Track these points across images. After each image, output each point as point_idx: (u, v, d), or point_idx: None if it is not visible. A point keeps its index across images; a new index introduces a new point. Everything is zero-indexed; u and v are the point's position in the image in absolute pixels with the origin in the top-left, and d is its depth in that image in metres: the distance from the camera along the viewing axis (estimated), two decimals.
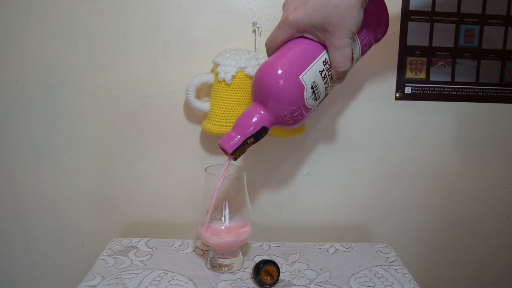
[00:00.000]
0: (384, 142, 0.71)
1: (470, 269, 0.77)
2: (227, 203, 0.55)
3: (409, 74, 0.69)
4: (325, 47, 0.47)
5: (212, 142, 0.69)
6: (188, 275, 0.56)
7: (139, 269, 0.57)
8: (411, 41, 0.68)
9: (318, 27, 0.45)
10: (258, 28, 0.64)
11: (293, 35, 0.48)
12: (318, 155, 0.71)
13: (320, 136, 0.70)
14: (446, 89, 0.70)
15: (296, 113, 0.48)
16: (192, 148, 0.69)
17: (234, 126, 0.49)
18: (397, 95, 0.69)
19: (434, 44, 0.68)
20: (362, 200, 0.73)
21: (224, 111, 0.61)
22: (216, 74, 0.60)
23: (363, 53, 0.53)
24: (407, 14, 0.67)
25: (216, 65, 0.61)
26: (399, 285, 0.55)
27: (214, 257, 0.58)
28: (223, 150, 0.49)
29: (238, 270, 0.58)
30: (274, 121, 0.48)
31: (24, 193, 0.71)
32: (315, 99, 0.49)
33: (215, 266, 0.58)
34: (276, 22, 0.50)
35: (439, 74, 0.69)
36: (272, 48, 0.50)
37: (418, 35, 0.68)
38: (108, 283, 0.54)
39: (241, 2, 0.65)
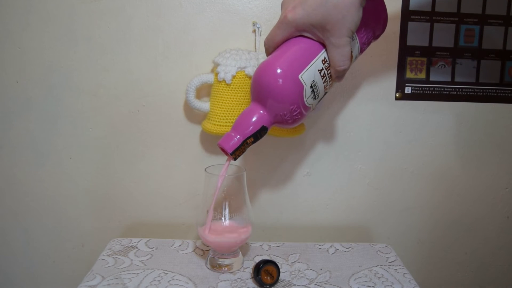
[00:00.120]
0: (384, 142, 0.71)
1: (470, 269, 0.77)
2: (227, 203, 0.55)
3: (409, 74, 0.69)
4: (324, 46, 0.47)
5: (212, 142, 0.69)
6: (188, 275, 0.56)
7: (139, 269, 0.57)
8: (411, 41, 0.68)
9: (317, 26, 0.45)
10: (258, 28, 0.64)
11: (292, 34, 0.48)
12: (318, 155, 0.71)
13: (320, 136, 0.70)
14: (446, 89, 0.70)
15: (296, 112, 0.48)
16: (192, 148, 0.69)
17: (234, 126, 0.49)
18: (397, 95, 0.69)
19: (434, 44, 0.68)
20: (362, 200, 0.73)
21: (224, 111, 0.61)
22: (216, 74, 0.60)
23: (362, 51, 0.53)
24: (407, 14, 0.67)
25: (216, 65, 0.61)
26: (399, 285, 0.55)
27: (214, 257, 0.58)
28: (223, 150, 0.49)
29: (238, 270, 0.58)
30: (273, 120, 0.48)
31: (24, 193, 0.71)
32: (314, 98, 0.49)
33: (215, 266, 0.58)
34: (276, 22, 0.50)
35: (439, 74, 0.69)
36: (271, 47, 0.50)
37: (418, 35, 0.68)
38: (108, 283, 0.54)
39: (241, 2, 0.65)
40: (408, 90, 0.69)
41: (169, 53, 0.66)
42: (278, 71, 0.46)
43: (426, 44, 0.68)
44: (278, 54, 0.48)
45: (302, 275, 0.57)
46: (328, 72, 0.48)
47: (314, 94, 0.48)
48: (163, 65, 0.66)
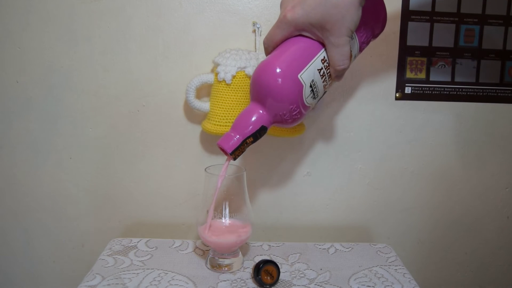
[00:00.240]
0: (384, 142, 0.71)
1: (470, 269, 0.77)
2: (227, 203, 0.55)
3: (409, 74, 0.69)
4: (323, 45, 0.47)
5: (212, 142, 0.69)
6: (188, 275, 0.56)
7: (139, 269, 0.57)
8: (411, 41, 0.68)
9: (316, 25, 0.45)
10: (258, 28, 0.64)
11: (291, 34, 0.48)
12: (318, 155, 0.71)
13: (320, 136, 0.70)
14: (446, 89, 0.70)
15: (295, 112, 0.48)
16: (192, 148, 0.69)
17: (233, 126, 0.49)
18: (397, 95, 0.69)
19: (434, 44, 0.68)
20: (362, 200, 0.73)
21: (224, 111, 0.61)
22: (216, 74, 0.60)
23: (361, 50, 0.53)
24: (407, 14, 0.67)
25: (216, 65, 0.61)
26: (399, 285, 0.55)
27: (214, 257, 0.58)
28: (222, 150, 0.49)
29: (238, 270, 0.58)
30: (273, 120, 0.48)
31: (24, 193, 0.71)
32: (314, 98, 0.49)
33: (215, 266, 0.58)
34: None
35: (439, 74, 0.69)
36: (270, 47, 0.50)
37: (418, 35, 0.68)
38: (108, 283, 0.54)
39: (241, 2, 0.65)
40: (408, 90, 0.69)
41: (169, 53, 0.66)
42: (278, 70, 0.46)
43: (426, 44, 0.68)
44: (277, 54, 0.48)
45: (302, 275, 0.57)
46: (328, 71, 0.48)
47: (314, 94, 0.48)
48: (163, 65, 0.66)
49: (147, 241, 0.65)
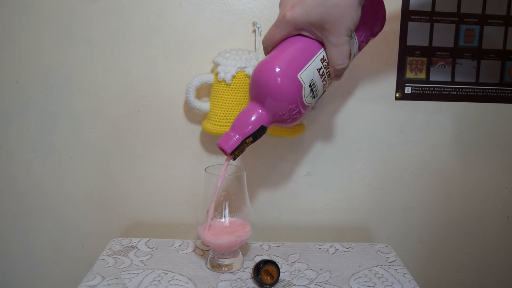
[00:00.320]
0: (384, 142, 0.71)
1: (470, 269, 0.77)
2: (227, 203, 0.55)
3: (409, 74, 0.69)
4: (322, 44, 0.47)
5: (212, 142, 0.69)
6: (188, 275, 0.56)
7: (139, 269, 0.57)
8: (411, 41, 0.68)
9: (315, 25, 0.45)
10: (258, 28, 0.64)
11: (290, 33, 0.48)
12: (318, 155, 0.71)
13: (320, 136, 0.70)
14: (446, 89, 0.70)
15: (295, 112, 0.48)
16: (192, 148, 0.69)
17: (232, 126, 0.49)
18: (397, 95, 0.69)
19: (434, 44, 0.68)
20: (362, 200, 0.73)
21: (224, 111, 0.61)
22: (216, 74, 0.60)
23: (360, 49, 0.53)
24: (407, 14, 0.67)
25: (216, 65, 0.61)
26: (399, 285, 0.55)
27: (214, 257, 0.58)
28: (222, 150, 0.49)
29: (238, 270, 0.58)
30: (272, 119, 0.48)
31: (24, 193, 0.71)
32: (313, 97, 0.49)
33: (215, 266, 0.58)
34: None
35: (439, 74, 0.69)
36: (269, 46, 0.49)
37: (418, 35, 0.68)
38: (108, 283, 0.53)
39: (241, 2, 0.65)
40: (408, 90, 0.69)
41: (169, 53, 0.66)
42: (277, 70, 0.46)
43: (426, 44, 0.68)
44: (277, 53, 0.48)
45: (302, 275, 0.57)
46: (327, 71, 0.48)
47: (313, 93, 0.48)
48: (163, 65, 0.66)
49: (147, 241, 0.65)
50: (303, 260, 0.61)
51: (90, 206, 0.71)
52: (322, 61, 0.47)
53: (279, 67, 0.46)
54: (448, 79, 0.70)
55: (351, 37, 0.47)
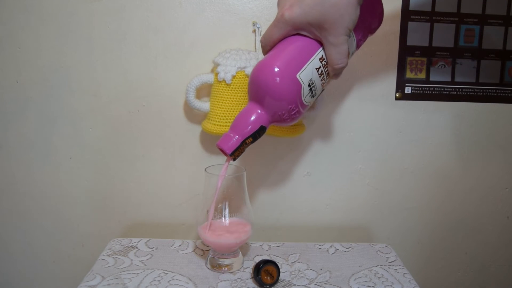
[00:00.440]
0: (384, 142, 0.71)
1: (470, 269, 0.77)
2: (227, 203, 0.55)
3: (409, 74, 0.69)
4: (321, 44, 0.47)
5: (212, 142, 0.69)
6: (188, 275, 0.56)
7: (139, 269, 0.57)
8: (411, 41, 0.68)
9: (314, 24, 0.45)
10: (258, 28, 0.64)
11: (288, 33, 0.47)
12: (318, 155, 0.71)
13: (320, 136, 0.70)
14: (446, 89, 0.70)
15: (294, 111, 0.48)
16: (192, 148, 0.69)
17: (232, 126, 0.49)
18: (397, 95, 0.69)
19: (434, 44, 0.68)
20: (362, 200, 0.73)
21: (224, 111, 0.61)
22: (216, 74, 0.60)
23: (358, 46, 0.53)
24: (407, 14, 0.67)
25: (216, 65, 0.61)
26: (399, 285, 0.55)
27: (214, 257, 0.58)
28: (222, 151, 0.49)
29: (238, 270, 0.58)
30: (271, 119, 0.48)
31: (24, 193, 0.71)
32: (312, 96, 0.49)
33: (215, 266, 0.58)
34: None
35: (439, 74, 0.69)
36: (268, 46, 0.49)
37: (418, 35, 0.68)
38: (108, 283, 0.53)
39: (241, 2, 0.65)
40: (408, 90, 0.69)
41: (169, 53, 0.66)
42: (276, 70, 0.46)
43: (426, 44, 0.68)
44: (275, 53, 0.47)
45: (302, 275, 0.57)
46: (326, 70, 0.48)
47: (312, 93, 0.48)
48: (163, 65, 0.66)
49: (147, 241, 0.65)
50: (303, 260, 0.61)
51: (90, 206, 0.71)
52: (320, 60, 0.47)
53: (278, 67, 0.46)
54: (448, 79, 0.70)
55: (349, 36, 0.47)
